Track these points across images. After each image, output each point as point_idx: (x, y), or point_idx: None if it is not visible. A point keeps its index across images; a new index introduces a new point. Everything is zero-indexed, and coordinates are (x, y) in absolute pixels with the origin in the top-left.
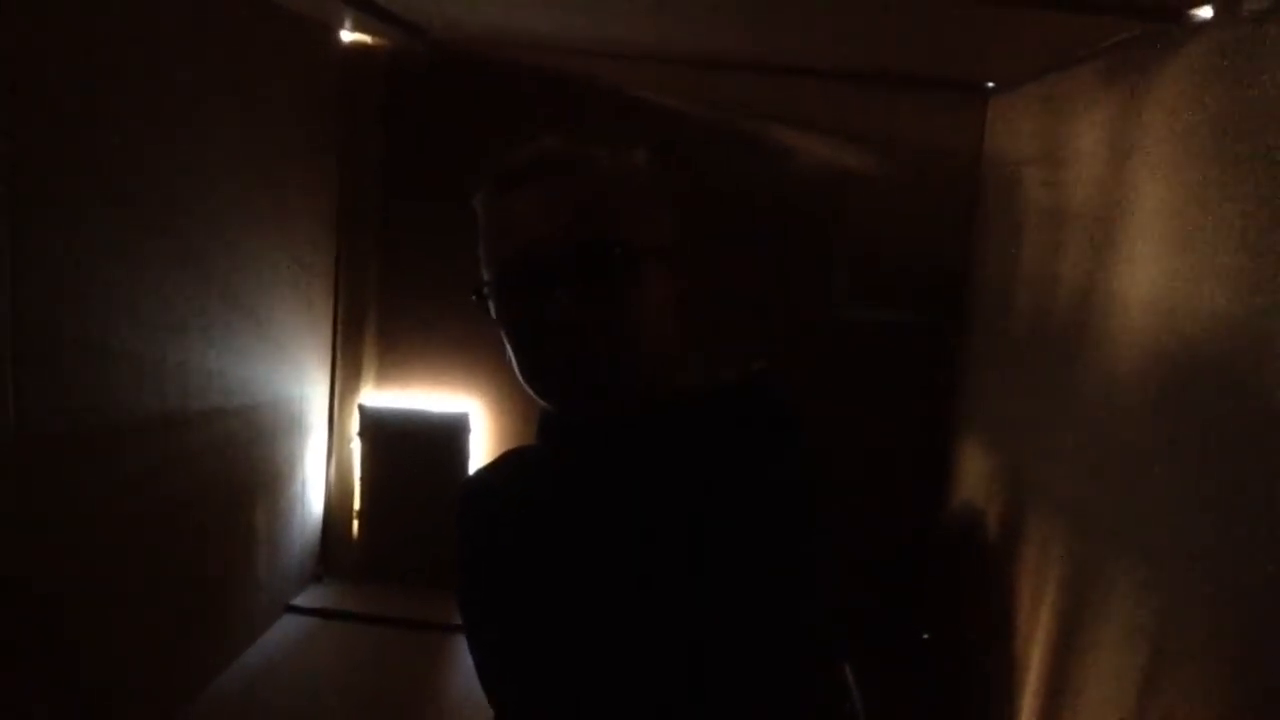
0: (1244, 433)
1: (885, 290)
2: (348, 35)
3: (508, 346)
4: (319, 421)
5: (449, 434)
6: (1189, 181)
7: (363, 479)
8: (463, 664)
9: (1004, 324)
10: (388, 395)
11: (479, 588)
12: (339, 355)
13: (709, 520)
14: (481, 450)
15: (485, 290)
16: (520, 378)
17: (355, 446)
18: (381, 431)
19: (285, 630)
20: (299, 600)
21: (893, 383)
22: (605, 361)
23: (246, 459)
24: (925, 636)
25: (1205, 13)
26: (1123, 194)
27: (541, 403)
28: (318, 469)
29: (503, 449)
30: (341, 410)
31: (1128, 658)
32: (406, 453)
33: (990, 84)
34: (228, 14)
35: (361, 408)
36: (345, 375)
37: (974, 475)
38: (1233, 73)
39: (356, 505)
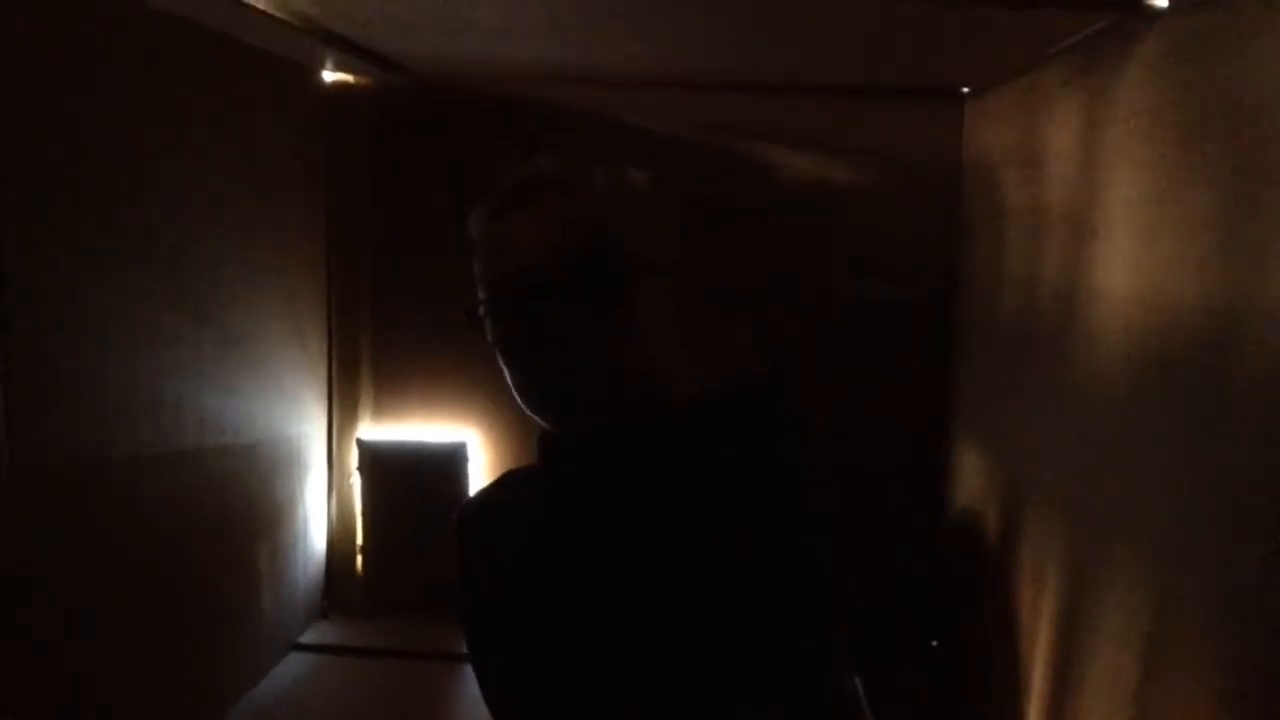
0: (1226, 425)
1: (878, 293)
2: (332, 75)
3: (504, 366)
4: (318, 457)
5: (448, 464)
6: (1157, 173)
7: (364, 513)
8: (469, 693)
9: (994, 323)
10: (385, 428)
11: (483, 607)
12: (335, 390)
13: (708, 527)
14: (481, 479)
15: (480, 310)
16: (517, 396)
17: (355, 481)
18: (380, 465)
19: (292, 667)
20: (305, 638)
21: (889, 382)
22: (601, 372)
23: (246, 497)
24: (934, 644)
25: (1161, 1)
26: (1096, 189)
27: (539, 421)
28: (319, 505)
29: None
30: (340, 445)
31: (1126, 656)
32: (406, 485)
33: (965, 89)
34: (214, 56)
35: (360, 442)
36: (342, 410)
37: (971, 477)
38: (1189, 62)
39: (359, 540)
